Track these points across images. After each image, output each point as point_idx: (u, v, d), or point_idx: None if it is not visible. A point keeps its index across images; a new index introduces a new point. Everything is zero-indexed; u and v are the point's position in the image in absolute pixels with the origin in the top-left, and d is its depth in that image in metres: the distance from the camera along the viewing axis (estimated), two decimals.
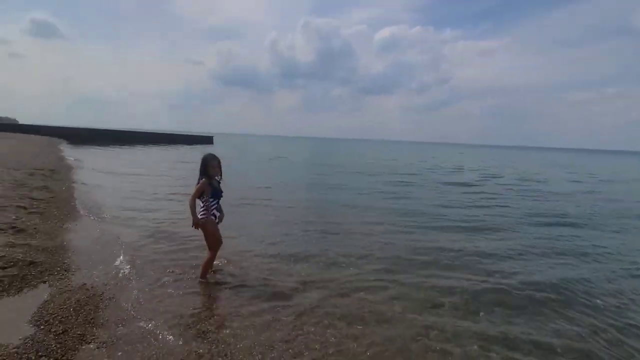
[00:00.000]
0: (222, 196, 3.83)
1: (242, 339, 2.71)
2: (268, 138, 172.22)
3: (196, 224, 3.63)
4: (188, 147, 39.47)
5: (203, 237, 3.80)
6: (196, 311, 3.11)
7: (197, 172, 3.70)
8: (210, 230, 3.73)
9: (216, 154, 3.81)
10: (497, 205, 9.98)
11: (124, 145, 34.34)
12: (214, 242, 3.78)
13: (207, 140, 51.72)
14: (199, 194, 3.66)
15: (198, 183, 3.66)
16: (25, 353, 2.31)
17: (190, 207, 3.60)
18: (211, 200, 3.74)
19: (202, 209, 3.75)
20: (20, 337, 2.49)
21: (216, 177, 3.77)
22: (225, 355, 2.49)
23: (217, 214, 3.80)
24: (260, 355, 2.51)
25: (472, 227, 7.12)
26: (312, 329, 2.92)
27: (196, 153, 29.29)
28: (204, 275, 3.81)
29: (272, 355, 2.52)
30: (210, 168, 3.68)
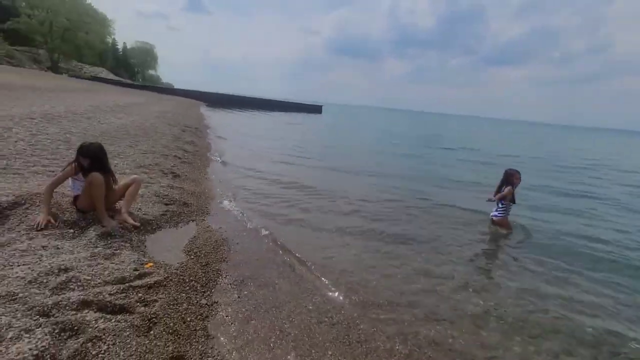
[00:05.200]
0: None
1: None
2: (376, 110, 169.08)
3: (496, 220, 5.13)
4: (298, 114, 42.08)
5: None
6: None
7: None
8: (508, 225, 5.10)
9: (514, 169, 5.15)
10: None
11: (246, 109, 38.88)
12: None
13: (316, 109, 54.00)
14: (502, 197, 5.03)
15: (501, 190, 5.06)
16: (181, 275, 2.90)
17: (495, 194, 5.14)
18: (511, 204, 5.09)
19: (502, 208, 5.08)
20: (178, 262, 3.15)
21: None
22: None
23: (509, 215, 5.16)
24: None
25: None
26: None
27: (300, 119, 31.01)
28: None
29: None
30: (514, 179, 5.02)
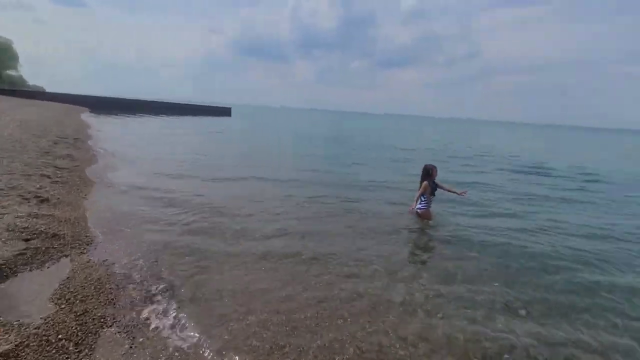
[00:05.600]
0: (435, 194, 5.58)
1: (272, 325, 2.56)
2: (289, 111, 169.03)
3: (420, 212, 5.51)
4: (206, 117, 39.40)
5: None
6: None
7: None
8: (431, 216, 5.54)
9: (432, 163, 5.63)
10: None
11: (141, 114, 34.69)
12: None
13: (225, 112, 51.57)
14: (423, 192, 5.43)
15: (421, 185, 5.46)
16: (45, 335, 2.22)
17: (415, 200, 5.60)
18: (432, 197, 5.55)
19: (424, 202, 5.49)
20: (41, 317, 2.42)
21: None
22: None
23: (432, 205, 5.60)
24: None
25: None
26: None
27: (207, 123, 29.16)
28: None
29: None
30: (433, 173, 5.48)
